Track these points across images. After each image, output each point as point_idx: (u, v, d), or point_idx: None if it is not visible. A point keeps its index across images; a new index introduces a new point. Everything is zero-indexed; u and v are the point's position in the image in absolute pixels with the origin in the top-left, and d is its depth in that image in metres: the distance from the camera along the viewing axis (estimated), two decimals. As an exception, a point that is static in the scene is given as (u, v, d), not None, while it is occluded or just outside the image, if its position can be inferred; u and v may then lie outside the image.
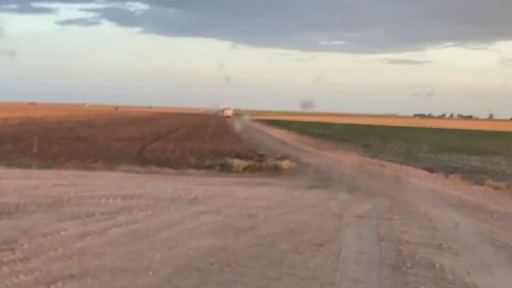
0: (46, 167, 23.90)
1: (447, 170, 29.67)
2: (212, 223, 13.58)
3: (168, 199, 16.63)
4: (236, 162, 26.93)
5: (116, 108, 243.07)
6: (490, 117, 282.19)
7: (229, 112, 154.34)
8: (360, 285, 9.08)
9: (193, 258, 10.30)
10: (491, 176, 27.65)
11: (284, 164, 27.91)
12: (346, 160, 33.72)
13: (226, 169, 25.78)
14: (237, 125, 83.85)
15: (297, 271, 9.70)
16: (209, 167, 26.18)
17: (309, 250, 11.19)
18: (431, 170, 29.39)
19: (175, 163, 27.73)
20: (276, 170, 26.37)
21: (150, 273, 9.21)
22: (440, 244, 12.05)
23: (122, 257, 10.13)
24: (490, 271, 10.20)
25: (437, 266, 10.29)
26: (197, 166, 26.44)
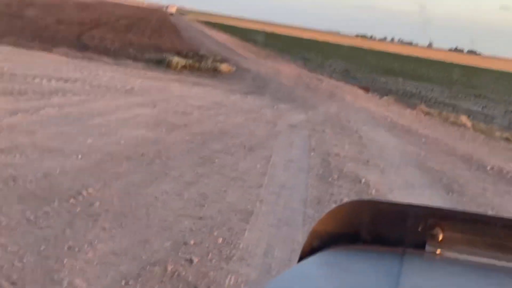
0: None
1: (382, 92, 30.11)
2: (146, 115, 13.52)
3: (103, 86, 16.42)
4: (176, 59, 26.63)
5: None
6: (430, 46, 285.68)
7: (173, 10, 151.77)
8: (286, 191, 9.25)
9: (124, 147, 10.28)
10: (423, 101, 28.21)
11: (224, 67, 27.77)
12: (285, 70, 33.76)
13: (165, 65, 25.48)
14: (180, 23, 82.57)
15: (226, 171, 9.81)
16: (148, 61, 25.82)
17: (240, 153, 11.30)
18: (366, 90, 29.76)
19: (113, 53, 27.23)
20: (214, 72, 26.23)
21: (79, 156, 9.16)
22: (368, 161, 12.33)
23: (52, 138, 10.03)
24: (412, 191, 10.53)
25: (362, 181, 10.55)
26: (135, 59, 26.02)
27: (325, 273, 1.30)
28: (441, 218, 1.36)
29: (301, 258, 1.42)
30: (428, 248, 1.36)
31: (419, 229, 1.37)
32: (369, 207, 1.45)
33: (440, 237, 1.35)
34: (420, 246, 1.36)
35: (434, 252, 1.35)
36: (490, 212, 9.63)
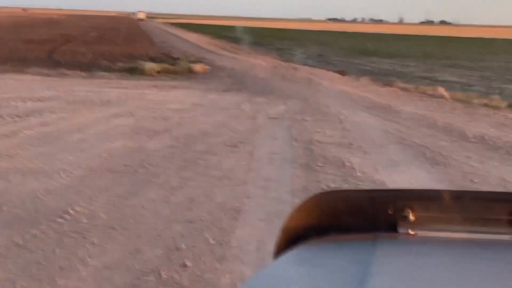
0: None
1: (358, 73, 30.19)
2: (125, 125, 13.48)
3: (79, 101, 16.35)
4: (149, 65, 26.54)
5: (24, 9, 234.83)
6: (400, 21, 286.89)
7: (141, 15, 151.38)
8: (272, 183, 9.26)
9: (107, 160, 10.25)
10: (400, 78, 28.30)
11: (198, 67, 27.69)
12: (260, 63, 33.75)
13: (139, 72, 25.38)
14: (150, 28, 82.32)
15: (211, 172, 9.80)
16: (122, 71, 25.70)
17: (223, 151, 11.29)
18: (342, 73, 29.83)
19: (86, 66, 27.05)
20: (190, 73, 26.15)
21: (62, 174, 9.13)
22: (350, 144, 12.36)
23: (33, 159, 9.99)
24: (397, 169, 10.56)
25: (347, 164, 10.58)
26: (109, 70, 25.89)
27: (298, 271, 1.30)
28: (411, 199, 1.38)
29: (276, 254, 1.43)
30: (400, 229, 1.38)
31: (390, 212, 1.39)
32: (337, 197, 1.46)
33: (412, 217, 1.37)
34: (393, 229, 1.38)
35: (407, 233, 1.37)
36: (467, 185, 9.70)
